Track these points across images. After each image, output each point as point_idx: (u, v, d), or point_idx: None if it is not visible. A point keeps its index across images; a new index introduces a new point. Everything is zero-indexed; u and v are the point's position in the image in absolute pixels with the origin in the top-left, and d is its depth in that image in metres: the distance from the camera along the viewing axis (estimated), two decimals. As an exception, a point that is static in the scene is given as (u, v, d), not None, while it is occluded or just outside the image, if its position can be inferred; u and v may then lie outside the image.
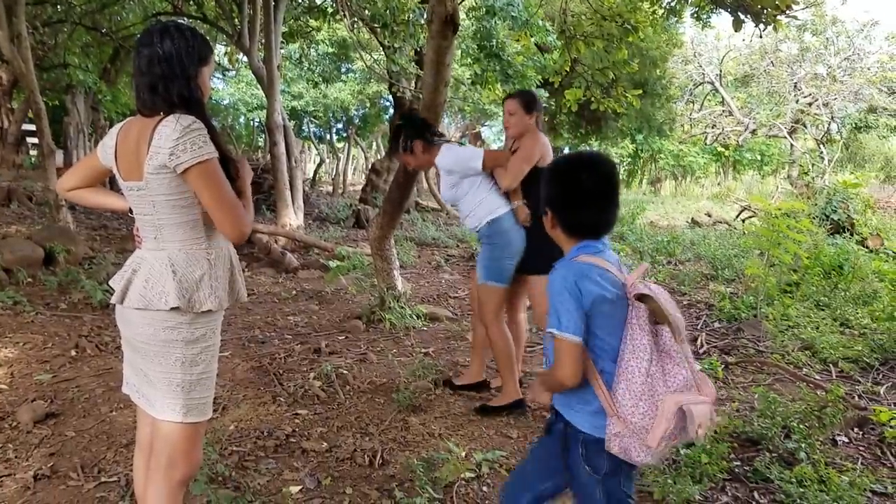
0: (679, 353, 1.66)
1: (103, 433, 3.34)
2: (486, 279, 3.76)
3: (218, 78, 21.02)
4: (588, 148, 21.21)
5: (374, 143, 30.64)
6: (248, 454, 3.17)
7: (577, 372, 1.70)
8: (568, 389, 1.75)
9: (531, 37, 11.95)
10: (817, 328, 5.61)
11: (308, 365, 4.55)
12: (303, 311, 6.12)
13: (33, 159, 17.63)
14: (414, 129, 3.92)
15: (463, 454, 3.18)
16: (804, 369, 4.74)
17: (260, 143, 27.61)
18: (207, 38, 2.07)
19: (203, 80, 1.96)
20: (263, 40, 9.45)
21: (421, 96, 5.17)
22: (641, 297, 1.66)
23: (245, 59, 10.02)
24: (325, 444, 3.31)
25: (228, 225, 1.86)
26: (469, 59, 12.85)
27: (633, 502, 1.83)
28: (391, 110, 16.09)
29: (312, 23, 12.51)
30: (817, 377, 4.57)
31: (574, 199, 1.80)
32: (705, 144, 25.78)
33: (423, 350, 4.91)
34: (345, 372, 4.27)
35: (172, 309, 1.88)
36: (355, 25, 11.19)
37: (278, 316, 5.91)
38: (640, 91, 7.33)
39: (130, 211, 2.01)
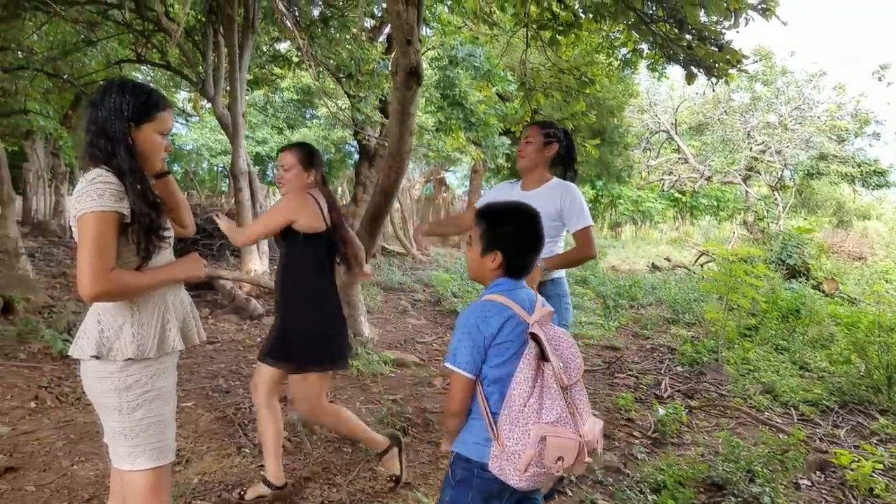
0: (556, 390, 1.78)
1: (64, 487, 3.25)
2: None
3: (181, 123, 20.97)
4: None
5: (340, 189, 30.67)
6: (213, 508, 3.11)
7: (463, 404, 1.91)
8: (456, 421, 1.94)
9: (493, 86, 12.26)
10: (777, 372, 5.73)
11: (274, 414, 4.48)
12: (267, 359, 6.03)
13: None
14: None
15: (431, 503, 3.17)
16: (766, 413, 4.83)
17: (224, 189, 27.45)
18: (162, 91, 2.11)
19: (144, 137, 2.00)
20: (228, 87, 9.50)
21: (386, 144, 5.25)
22: (534, 336, 1.81)
23: (209, 105, 10.02)
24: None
25: (79, 280, 1.83)
26: (433, 108, 13.05)
27: None
28: (356, 156, 16.18)
29: (277, 70, 12.61)
30: (779, 420, 4.66)
31: (517, 242, 1.97)
32: (662, 190, 26.33)
33: (391, 397, 4.88)
34: (311, 421, 4.22)
35: (95, 358, 1.91)
36: (320, 75, 11.32)
37: (243, 364, 5.83)
38: (599, 140, 7.57)
39: None
